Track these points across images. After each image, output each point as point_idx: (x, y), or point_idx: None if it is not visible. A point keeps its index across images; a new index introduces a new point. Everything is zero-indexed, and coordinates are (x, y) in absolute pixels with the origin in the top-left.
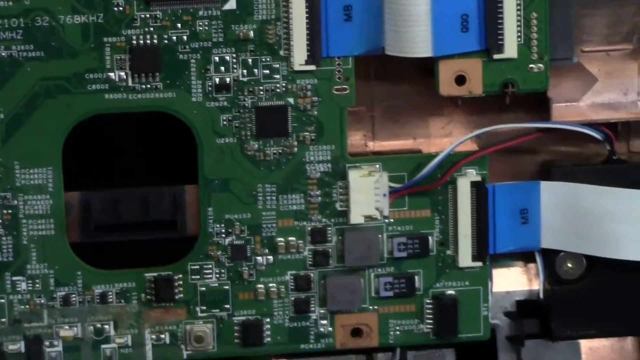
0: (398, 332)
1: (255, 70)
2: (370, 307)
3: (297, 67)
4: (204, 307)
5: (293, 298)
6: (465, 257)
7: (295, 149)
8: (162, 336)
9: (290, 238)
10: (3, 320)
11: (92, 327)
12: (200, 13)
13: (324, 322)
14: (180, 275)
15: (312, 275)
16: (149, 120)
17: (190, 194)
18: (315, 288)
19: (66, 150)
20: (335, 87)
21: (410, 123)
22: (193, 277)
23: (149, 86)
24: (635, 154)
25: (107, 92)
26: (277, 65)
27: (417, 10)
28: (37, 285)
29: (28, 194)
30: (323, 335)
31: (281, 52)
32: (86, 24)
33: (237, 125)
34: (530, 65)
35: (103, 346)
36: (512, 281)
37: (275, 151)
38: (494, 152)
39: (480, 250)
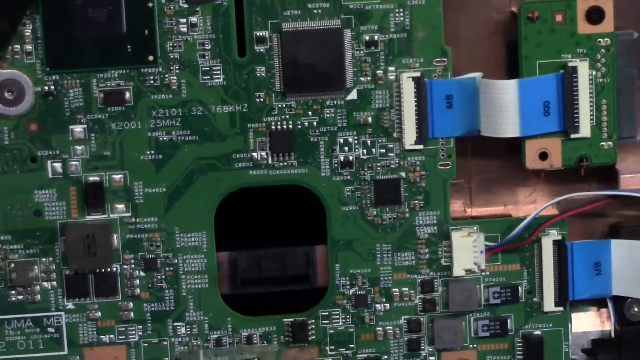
0: None
1: (373, 150)
2: (470, 346)
3: (407, 147)
4: (333, 347)
5: (406, 338)
6: (549, 303)
7: (407, 214)
8: None
9: (403, 288)
10: (166, 359)
11: None
12: (327, 103)
13: (432, 358)
14: (313, 320)
15: (422, 319)
16: (286, 191)
17: (320, 252)
18: (425, 330)
19: (217, 217)
20: (440, 163)
21: (501, 192)
22: (323, 321)
23: (285, 163)
24: None
25: (251, 169)
26: (391, 145)
27: (507, 99)
28: (194, 330)
29: (186, 254)
30: None
31: (394, 134)
32: (233, 112)
33: (358, 195)
34: (602, 143)
35: None
36: (588, 323)
37: (390, 216)
38: (572, 216)
39: (561, 297)
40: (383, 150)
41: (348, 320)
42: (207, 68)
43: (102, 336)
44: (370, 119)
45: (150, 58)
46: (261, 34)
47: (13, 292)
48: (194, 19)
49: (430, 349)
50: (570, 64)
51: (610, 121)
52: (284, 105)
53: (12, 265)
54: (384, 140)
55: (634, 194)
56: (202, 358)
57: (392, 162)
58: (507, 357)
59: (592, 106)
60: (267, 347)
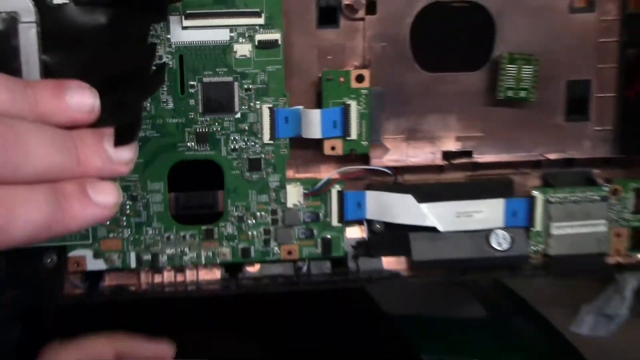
0: (307, 253)
1: (248, 143)
2: (295, 241)
3: (265, 142)
4: (226, 242)
5: (263, 238)
6: (335, 221)
7: (265, 175)
8: (209, 253)
9: (262, 213)
10: (142, 246)
11: (179, 249)
12: (225, 119)
13: (276, 248)
14: (216, 228)
15: (271, 228)
16: (204, 163)
17: (221, 194)
18: (273, 234)
19: (169, 175)
20: (281, 150)
21: (314, 166)
22: (221, 228)
23: (204, 149)
24: (407, 182)
25: (187, 151)
26: (257, 141)
27: (315, 119)
28: (156, 232)
29: (153, 193)
30: (276, 254)
31: (259, 135)
32: (178, 122)
33: (240, 165)
34: (362, 142)
35: (184, 257)
36: (354, 232)
37: (256, 177)
38: (348, 179)
39: (340, 218)
40: (253, 143)
41: (234, 228)
42: (165, 100)
43: (110, 234)
44: (247, 127)
45: None
46: (192, 83)
47: None
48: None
49: (275, 244)
50: (347, 103)
51: (366, 130)
52: (204, 119)
53: None
54: (253, 138)
55: (378, 168)
56: (160, 246)
57: (257, 149)
58: (314, 248)
59: (358, 121)
60: (194, 241)
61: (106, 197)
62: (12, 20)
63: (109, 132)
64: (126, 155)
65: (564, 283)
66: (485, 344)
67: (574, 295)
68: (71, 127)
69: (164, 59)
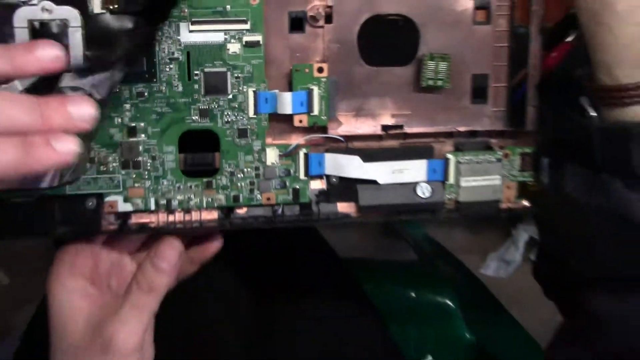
0: (281, 199)
1: (238, 117)
2: (273, 190)
3: (251, 116)
4: (221, 190)
5: (249, 188)
6: (302, 175)
7: (250, 141)
8: (209, 199)
9: (248, 169)
10: (159, 194)
11: (187, 196)
12: (221, 98)
13: (259, 196)
14: (214, 180)
15: (255, 181)
16: (205, 132)
17: (217, 156)
18: (256, 184)
19: (180, 141)
20: (262, 122)
21: (286, 135)
22: (218, 180)
23: (205, 120)
24: (355, 147)
25: (192, 123)
26: (244, 115)
27: (287, 99)
28: (170, 182)
29: (167, 154)
30: (258, 200)
31: (246, 111)
32: (186, 102)
33: (232, 134)
34: (322, 117)
35: (190, 202)
36: (317, 184)
37: (243, 142)
38: (312, 144)
39: (307, 173)
40: (241, 117)
41: (227, 180)
42: (176, 85)
43: (135, 184)
44: (237, 105)
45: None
46: (197, 72)
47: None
48: (171, 66)
49: (258, 192)
50: (311, 88)
51: (325, 109)
52: (205, 99)
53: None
54: (242, 113)
55: (323, 136)
56: (173, 193)
57: (245, 121)
58: (287, 196)
59: (318, 101)
60: (197, 189)
61: (66, 146)
62: (64, 25)
63: (71, 97)
64: (86, 113)
65: (474, 236)
66: (416, 280)
67: (482, 245)
68: (44, 75)
69: (176, 55)
